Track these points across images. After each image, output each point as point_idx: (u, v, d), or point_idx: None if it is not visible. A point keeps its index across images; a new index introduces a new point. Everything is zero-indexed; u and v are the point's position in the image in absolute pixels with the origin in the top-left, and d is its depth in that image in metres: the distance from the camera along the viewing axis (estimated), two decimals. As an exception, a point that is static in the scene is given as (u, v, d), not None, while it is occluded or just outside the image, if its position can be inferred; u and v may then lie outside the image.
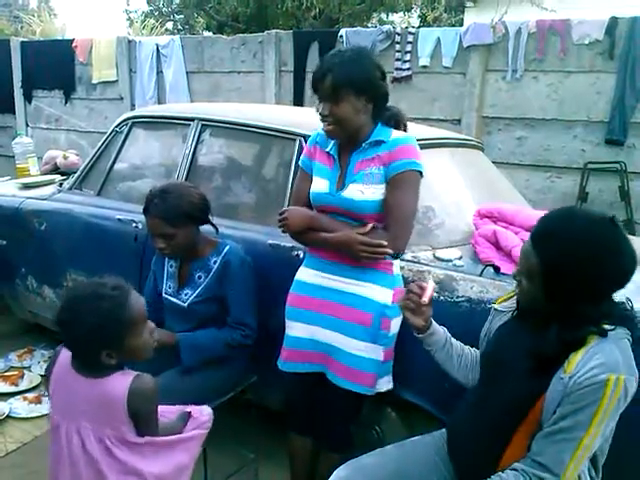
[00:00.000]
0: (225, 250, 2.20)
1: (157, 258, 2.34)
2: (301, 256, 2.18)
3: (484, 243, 2.14)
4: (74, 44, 7.07)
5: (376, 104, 1.87)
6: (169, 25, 11.85)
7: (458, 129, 4.84)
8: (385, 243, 1.78)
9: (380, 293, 1.89)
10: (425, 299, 1.60)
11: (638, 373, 1.32)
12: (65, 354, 1.55)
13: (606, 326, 1.33)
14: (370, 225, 1.83)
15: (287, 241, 2.24)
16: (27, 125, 7.73)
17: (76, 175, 3.17)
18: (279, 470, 2.28)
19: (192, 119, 2.74)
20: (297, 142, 2.37)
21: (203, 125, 2.71)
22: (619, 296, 1.40)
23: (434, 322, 1.68)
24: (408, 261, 2.10)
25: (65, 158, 4.07)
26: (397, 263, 1.97)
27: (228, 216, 2.50)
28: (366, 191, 1.84)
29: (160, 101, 6.59)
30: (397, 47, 5.25)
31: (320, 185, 1.94)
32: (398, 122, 1.95)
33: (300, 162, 2.07)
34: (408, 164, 1.83)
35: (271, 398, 2.45)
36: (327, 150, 1.96)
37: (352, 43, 5.33)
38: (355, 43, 5.27)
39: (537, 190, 4.78)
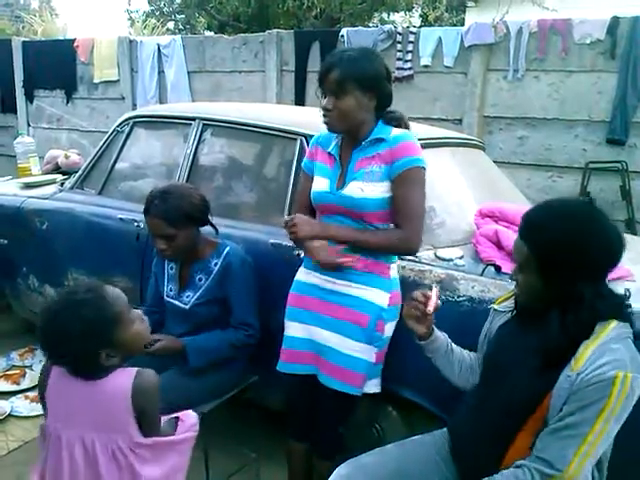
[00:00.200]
0: (225, 251, 2.20)
1: (157, 260, 2.35)
2: (302, 256, 2.18)
3: (485, 242, 2.14)
4: (76, 44, 7.08)
5: (379, 103, 1.88)
6: (170, 25, 11.85)
7: (459, 129, 4.83)
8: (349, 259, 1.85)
9: (377, 296, 1.89)
10: (430, 309, 1.60)
11: None
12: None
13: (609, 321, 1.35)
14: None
15: (288, 240, 2.24)
16: (29, 125, 7.73)
17: (77, 174, 3.18)
18: (280, 469, 2.28)
19: (193, 119, 2.75)
20: (298, 142, 2.38)
21: (204, 125, 2.71)
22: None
23: (436, 329, 1.69)
24: (409, 260, 2.10)
25: (66, 158, 4.07)
26: (395, 267, 1.97)
27: (229, 216, 2.51)
28: (366, 189, 1.84)
29: (161, 101, 6.59)
30: (398, 47, 5.24)
31: (321, 184, 1.94)
32: (400, 125, 1.94)
33: (302, 164, 2.08)
34: (412, 161, 1.83)
35: (271, 398, 2.45)
36: (328, 150, 1.96)
37: (353, 43, 5.33)
38: (356, 43, 5.27)
39: (538, 190, 4.77)
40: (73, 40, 7.19)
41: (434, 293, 1.62)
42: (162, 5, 11.40)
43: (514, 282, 1.52)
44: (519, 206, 2.41)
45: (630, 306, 1.42)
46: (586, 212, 1.41)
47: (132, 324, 1.50)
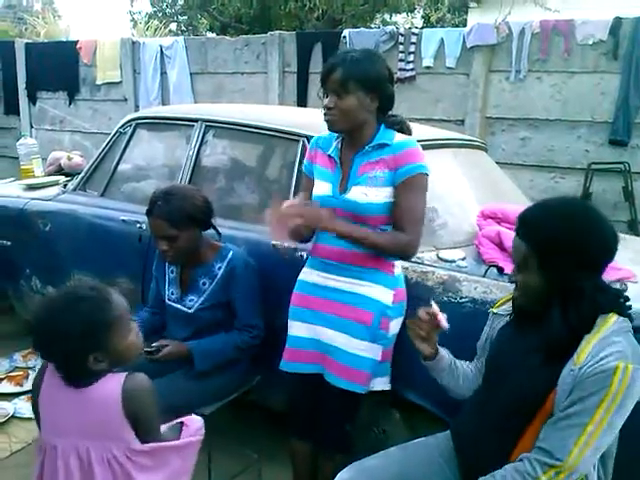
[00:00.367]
0: (229, 256, 2.20)
1: (158, 263, 2.34)
2: (304, 257, 2.19)
3: (488, 244, 2.14)
4: (78, 45, 7.10)
5: (381, 105, 1.88)
6: (173, 26, 11.87)
7: (461, 130, 4.83)
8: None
9: (381, 293, 1.90)
10: (444, 323, 1.59)
11: None
12: (51, 370, 1.47)
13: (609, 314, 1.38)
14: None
15: (290, 242, 2.25)
16: (31, 126, 7.75)
17: (80, 176, 3.18)
18: (283, 470, 2.28)
19: (196, 120, 2.75)
20: (300, 143, 2.38)
21: (207, 126, 2.71)
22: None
23: (439, 347, 1.69)
24: (412, 262, 2.10)
25: (69, 159, 4.08)
26: (398, 264, 1.97)
27: (231, 217, 2.51)
28: (369, 193, 1.84)
29: (164, 102, 6.60)
30: (400, 48, 5.25)
31: (323, 188, 1.94)
32: (402, 129, 1.94)
33: (303, 167, 2.08)
34: (416, 168, 1.84)
35: (274, 399, 2.45)
36: (328, 153, 1.96)
37: (355, 44, 5.34)
38: (358, 44, 5.28)
39: (541, 191, 4.76)
40: (76, 42, 7.21)
41: (435, 307, 1.61)
42: (164, 6, 11.42)
43: (513, 284, 1.53)
44: (521, 207, 2.40)
45: (628, 299, 1.44)
46: (581, 208, 1.48)
47: (129, 334, 1.46)
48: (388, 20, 11.38)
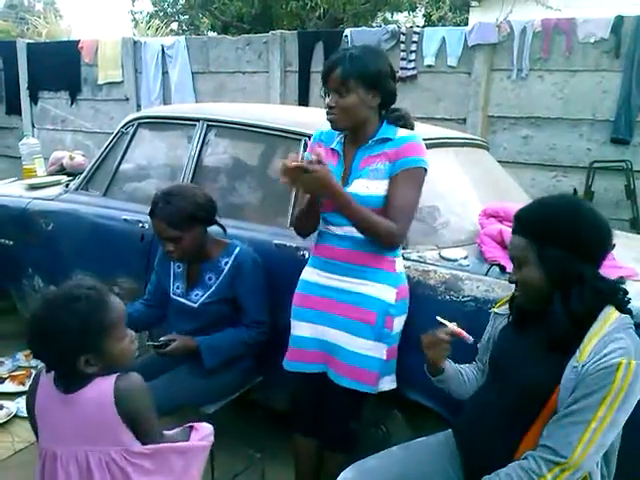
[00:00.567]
0: (236, 252, 2.20)
1: (160, 258, 2.34)
2: (306, 256, 2.19)
3: (490, 242, 2.14)
4: (80, 45, 7.11)
5: (383, 101, 1.88)
6: (174, 26, 11.88)
7: (463, 128, 4.83)
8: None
9: (384, 292, 1.90)
10: (470, 338, 1.59)
11: None
12: (46, 376, 1.45)
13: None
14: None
15: (293, 241, 2.25)
16: (33, 126, 7.76)
17: (82, 176, 3.18)
18: (285, 469, 2.29)
19: (197, 120, 2.75)
20: (302, 142, 2.38)
21: (208, 126, 2.72)
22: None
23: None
24: (414, 261, 2.10)
25: (71, 159, 4.08)
26: (400, 261, 1.97)
27: (233, 216, 2.51)
28: (371, 186, 1.85)
29: (165, 102, 6.60)
30: (402, 46, 5.25)
31: None
32: (405, 125, 1.94)
33: (305, 156, 2.07)
34: (415, 161, 1.84)
35: (276, 399, 2.45)
36: (332, 146, 1.97)
37: (357, 43, 5.33)
38: (360, 43, 5.26)
39: (543, 189, 4.76)
40: (77, 41, 7.22)
41: (453, 326, 1.60)
42: (166, 6, 11.43)
43: (514, 285, 1.54)
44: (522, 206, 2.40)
45: (627, 292, 1.45)
46: (573, 200, 1.56)
47: (124, 338, 1.43)
48: (389, 19, 11.40)
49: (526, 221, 1.48)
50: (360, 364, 1.90)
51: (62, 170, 4.08)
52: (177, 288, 2.27)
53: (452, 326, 1.60)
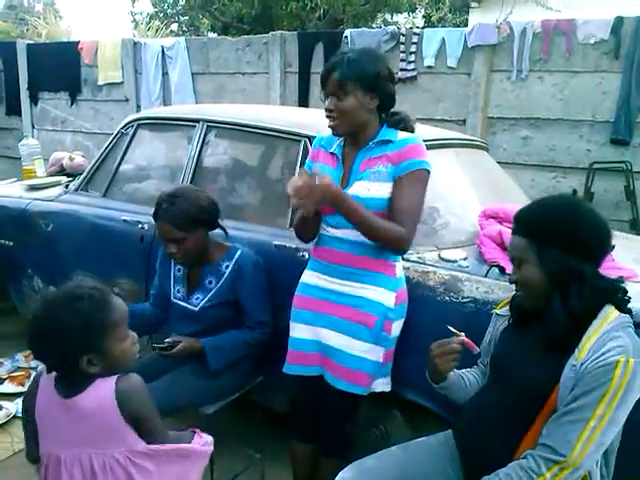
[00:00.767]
0: (237, 255, 2.20)
1: (162, 260, 2.34)
2: (306, 257, 2.19)
3: (489, 244, 2.14)
4: (80, 46, 7.11)
5: (382, 103, 1.88)
6: (174, 27, 11.88)
7: (463, 129, 4.84)
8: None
9: (384, 296, 1.89)
10: (477, 348, 1.60)
11: None
12: (46, 380, 1.44)
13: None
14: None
15: (292, 242, 2.25)
16: (33, 127, 7.77)
17: (82, 176, 3.18)
18: (285, 470, 2.29)
19: (197, 120, 2.75)
20: (302, 143, 2.38)
21: (208, 126, 2.72)
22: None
23: None
24: (413, 262, 2.10)
25: (71, 159, 4.08)
26: (400, 265, 1.97)
27: (233, 217, 2.51)
28: (372, 188, 1.84)
29: (165, 102, 6.61)
30: (402, 47, 5.26)
31: None
32: (406, 127, 1.94)
33: (305, 166, 2.08)
34: (418, 163, 1.84)
35: (276, 400, 2.45)
36: (331, 151, 1.97)
37: (357, 44, 5.34)
38: (360, 44, 5.28)
39: (542, 190, 4.76)
40: (77, 42, 7.24)
41: (464, 338, 1.59)
42: (166, 7, 11.42)
43: (514, 286, 1.54)
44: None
45: (627, 291, 1.46)
46: (573, 201, 1.56)
47: (126, 339, 1.42)
48: (389, 20, 11.38)
49: (526, 221, 1.49)
50: (354, 366, 1.90)
51: (62, 171, 4.08)
52: (177, 292, 2.27)
53: (462, 336, 1.59)
